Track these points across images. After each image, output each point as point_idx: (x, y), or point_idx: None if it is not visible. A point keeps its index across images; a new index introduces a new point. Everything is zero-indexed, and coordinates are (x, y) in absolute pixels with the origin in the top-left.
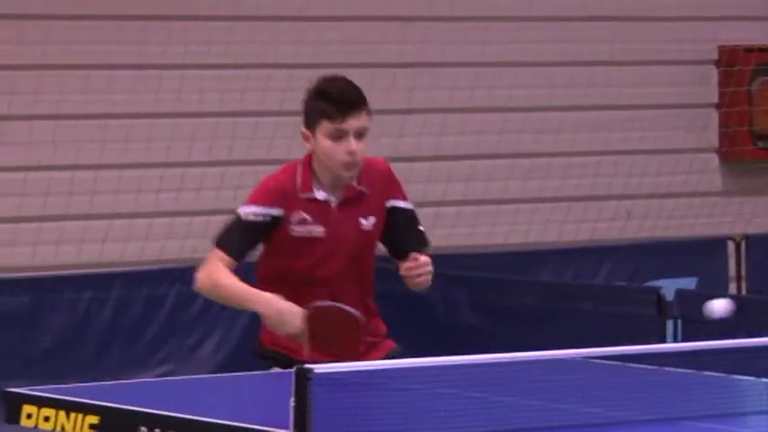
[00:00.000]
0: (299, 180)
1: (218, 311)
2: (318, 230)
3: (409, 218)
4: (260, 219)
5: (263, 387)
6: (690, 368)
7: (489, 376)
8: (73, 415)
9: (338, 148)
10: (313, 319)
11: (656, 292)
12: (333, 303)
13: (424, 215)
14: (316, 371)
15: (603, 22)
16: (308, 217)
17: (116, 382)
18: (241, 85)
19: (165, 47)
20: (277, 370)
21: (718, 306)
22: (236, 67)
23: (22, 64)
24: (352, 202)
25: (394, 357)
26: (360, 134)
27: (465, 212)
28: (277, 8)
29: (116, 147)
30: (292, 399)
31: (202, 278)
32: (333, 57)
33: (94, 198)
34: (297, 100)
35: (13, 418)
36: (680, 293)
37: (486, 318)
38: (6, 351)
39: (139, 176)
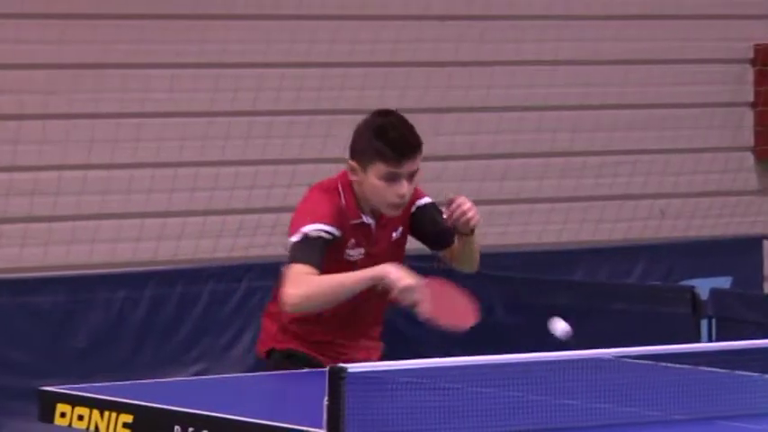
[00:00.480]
0: (344, 204)
1: (252, 310)
2: (360, 252)
3: (434, 208)
4: (326, 236)
5: (297, 386)
6: (724, 368)
7: (523, 376)
8: (107, 414)
9: (390, 190)
10: (434, 288)
11: (691, 291)
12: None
13: None
14: (349, 370)
15: (640, 20)
16: (355, 241)
17: (150, 380)
18: (276, 83)
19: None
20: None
21: (560, 327)
22: (272, 66)
23: (62, 63)
24: (386, 219)
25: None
26: (411, 176)
27: (499, 211)
28: (313, 7)
29: (150, 146)
30: (326, 398)
31: (295, 293)
32: (367, 56)
33: (129, 197)
34: (330, 98)
35: (47, 416)
36: (714, 293)
37: (519, 317)
38: (41, 350)
39: (173, 175)
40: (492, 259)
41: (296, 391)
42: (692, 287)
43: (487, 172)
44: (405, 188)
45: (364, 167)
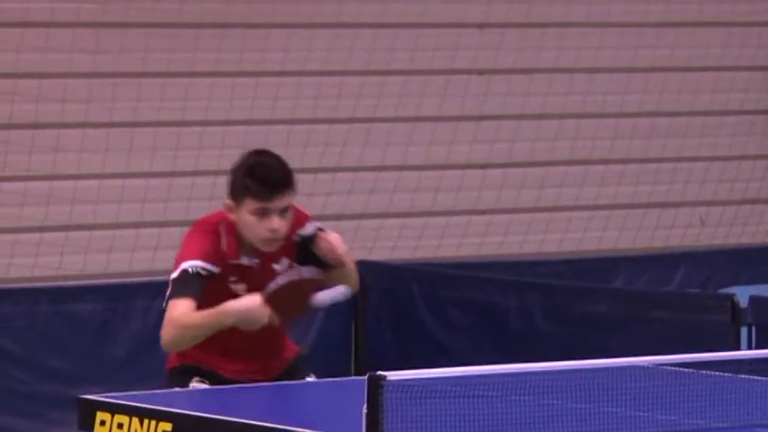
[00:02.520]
0: (224, 246)
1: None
2: (242, 287)
3: (316, 235)
4: (204, 273)
5: (336, 394)
6: (764, 375)
7: (562, 383)
8: (146, 422)
9: (261, 225)
10: (277, 303)
11: (731, 298)
12: (285, 282)
13: (496, 223)
14: (389, 378)
15: (678, 27)
16: (236, 278)
17: (188, 388)
18: (314, 92)
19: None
20: (198, 380)
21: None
22: (310, 74)
23: (101, 72)
24: (267, 256)
25: (299, 359)
26: (283, 212)
27: (537, 219)
28: (352, 16)
29: (190, 154)
30: (365, 406)
31: (171, 330)
32: (405, 64)
33: (168, 205)
34: (368, 107)
35: (87, 424)
36: (754, 300)
37: (558, 325)
38: (80, 358)
39: (212, 183)
40: (531, 267)
41: (335, 399)
42: (732, 295)
43: (526, 180)
44: (276, 223)
45: (238, 205)
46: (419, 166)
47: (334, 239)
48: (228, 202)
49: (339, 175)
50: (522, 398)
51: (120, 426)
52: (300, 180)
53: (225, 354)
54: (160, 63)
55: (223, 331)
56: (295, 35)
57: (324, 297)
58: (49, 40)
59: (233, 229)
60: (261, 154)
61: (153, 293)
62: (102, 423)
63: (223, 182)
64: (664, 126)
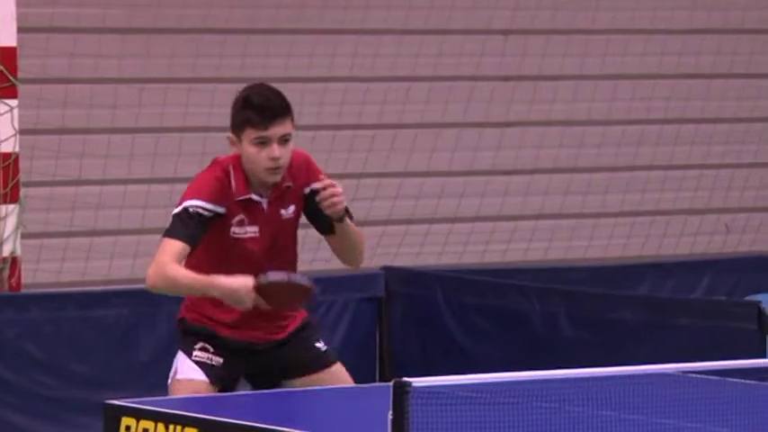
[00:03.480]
0: (233, 183)
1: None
2: (253, 230)
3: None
4: (206, 213)
5: (361, 400)
6: None
7: (588, 390)
8: (172, 427)
9: (262, 154)
10: (266, 293)
11: (757, 306)
12: (282, 278)
13: (522, 229)
14: (414, 384)
15: (704, 35)
16: (244, 218)
17: (214, 394)
18: (339, 98)
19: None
20: (200, 347)
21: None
22: (335, 80)
23: (127, 77)
24: (279, 198)
25: (309, 324)
26: (284, 140)
27: (562, 226)
28: (378, 22)
29: None
30: (390, 412)
31: (155, 275)
32: (430, 70)
33: None
34: (393, 113)
35: (112, 430)
36: None
37: (583, 332)
38: (105, 363)
39: None
40: (556, 273)
41: (360, 405)
42: (758, 302)
43: (551, 186)
44: (276, 151)
45: (239, 138)
46: (444, 172)
47: (336, 189)
48: (232, 136)
49: (364, 180)
50: (547, 405)
51: (145, 431)
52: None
53: (229, 308)
54: (186, 68)
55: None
56: (320, 41)
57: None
58: (76, 46)
59: (240, 166)
60: (257, 86)
61: (178, 299)
62: (128, 428)
63: None
64: (689, 133)
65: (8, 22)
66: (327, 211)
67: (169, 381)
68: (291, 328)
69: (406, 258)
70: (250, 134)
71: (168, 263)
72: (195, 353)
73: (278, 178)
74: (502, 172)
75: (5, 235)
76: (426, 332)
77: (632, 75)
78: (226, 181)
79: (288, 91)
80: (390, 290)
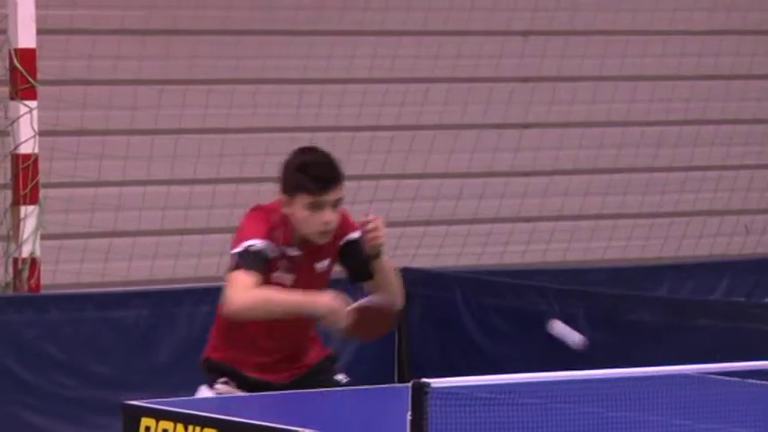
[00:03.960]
0: (279, 235)
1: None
2: (289, 278)
3: (360, 245)
4: (265, 254)
5: (379, 401)
6: None
7: (606, 391)
8: (191, 428)
9: (315, 218)
10: (359, 316)
11: None
12: (374, 304)
13: (540, 230)
14: (433, 385)
15: (723, 35)
16: (282, 267)
17: (234, 395)
18: (358, 99)
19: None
20: (223, 381)
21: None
22: (354, 82)
23: (146, 79)
24: (316, 252)
25: (330, 357)
26: (335, 204)
27: (582, 227)
28: (397, 24)
29: (234, 161)
30: (409, 413)
31: (241, 298)
32: (449, 71)
33: (212, 212)
34: (411, 114)
35: (132, 430)
36: None
37: (602, 333)
38: (124, 364)
39: (256, 190)
40: (575, 275)
41: (378, 406)
42: None
43: (570, 187)
44: (328, 216)
45: (292, 199)
46: (463, 173)
47: (376, 222)
48: (283, 197)
49: (382, 182)
50: (566, 406)
51: (164, 431)
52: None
53: (253, 344)
54: (205, 70)
55: (257, 322)
56: (339, 42)
57: (560, 330)
58: (95, 48)
59: (286, 220)
60: (310, 150)
61: (197, 300)
62: (147, 429)
63: (267, 189)
64: (709, 134)
65: (27, 23)
66: (369, 245)
67: None
68: (312, 363)
69: (425, 259)
70: (304, 198)
71: (251, 286)
72: (217, 385)
73: (328, 239)
74: (521, 173)
75: (25, 236)
76: (445, 333)
77: (652, 76)
78: (276, 230)
79: (306, 93)
80: (409, 291)
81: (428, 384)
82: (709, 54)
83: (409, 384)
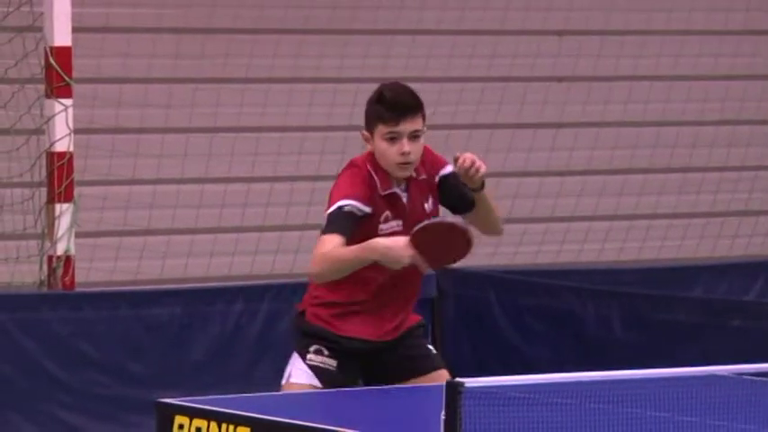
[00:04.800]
0: (377, 180)
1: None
2: (397, 224)
3: (456, 176)
4: (357, 212)
5: (413, 400)
6: None
7: (640, 392)
8: (224, 426)
9: (392, 150)
10: (423, 246)
11: None
12: (430, 222)
13: (575, 230)
14: (467, 385)
15: (759, 36)
16: (389, 213)
17: (268, 393)
18: None
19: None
20: (315, 350)
21: None
22: (387, 80)
23: (181, 77)
24: (418, 191)
25: (419, 327)
26: (414, 136)
27: (616, 227)
28: (431, 23)
29: (268, 159)
30: (443, 412)
31: (320, 262)
32: (483, 71)
33: (246, 211)
34: (446, 114)
35: (165, 428)
36: None
37: (637, 333)
38: (158, 362)
39: (290, 189)
40: (609, 275)
41: (412, 405)
42: None
43: (606, 187)
44: (406, 146)
45: (372, 134)
46: (497, 173)
47: (471, 156)
48: (366, 133)
49: None
50: (599, 406)
51: (198, 430)
52: None
53: (353, 305)
54: (240, 68)
55: (359, 281)
56: (374, 42)
57: None
58: (130, 46)
59: (378, 166)
60: (391, 83)
61: (230, 298)
62: (181, 427)
63: (300, 188)
64: (744, 134)
65: (63, 21)
66: (471, 180)
67: (283, 381)
68: (403, 329)
69: None
70: (381, 130)
71: (330, 250)
72: (309, 356)
73: (408, 173)
74: (555, 173)
75: (60, 234)
76: (478, 332)
77: (687, 76)
78: (370, 180)
79: (341, 92)
80: (443, 290)
81: (462, 384)
82: (746, 54)
83: (443, 384)
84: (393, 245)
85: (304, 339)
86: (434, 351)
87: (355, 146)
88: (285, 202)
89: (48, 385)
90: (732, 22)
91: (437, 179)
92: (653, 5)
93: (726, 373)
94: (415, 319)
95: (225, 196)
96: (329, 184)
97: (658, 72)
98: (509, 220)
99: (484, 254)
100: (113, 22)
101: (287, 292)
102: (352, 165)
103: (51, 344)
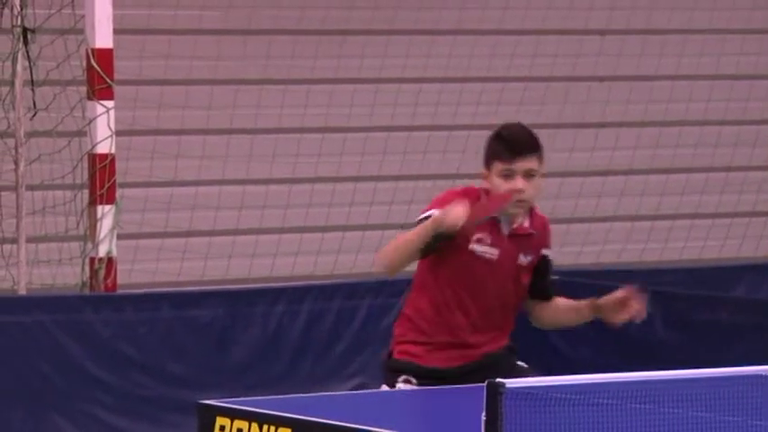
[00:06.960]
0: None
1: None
2: (492, 252)
3: (551, 266)
4: None
5: (453, 401)
6: None
7: (682, 392)
8: (266, 427)
9: (506, 186)
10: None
11: None
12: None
13: (616, 230)
14: (508, 385)
15: None
16: (485, 237)
17: (309, 394)
18: (434, 98)
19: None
20: (404, 380)
21: None
22: (430, 81)
23: (222, 79)
24: (520, 238)
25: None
26: (529, 175)
27: (658, 227)
28: (474, 23)
29: (309, 161)
30: (484, 413)
31: (382, 255)
32: (526, 70)
33: (287, 212)
34: (487, 114)
35: (207, 429)
36: None
37: (679, 333)
38: (199, 363)
39: (331, 190)
40: (651, 275)
41: (452, 406)
42: None
43: (647, 187)
44: (520, 183)
45: (489, 170)
46: None
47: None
48: (484, 171)
49: (458, 182)
50: (641, 406)
51: (239, 431)
52: (413, 187)
53: (439, 342)
54: (281, 70)
55: (444, 324)
56: (415, 42)
57: None
58: (171, 48)
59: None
60: (511, 123)
61: (272, 299)
62: (222, 428)
63: (341, 189)
64: None
65: (105, 23)
66: (611, 316)
67: None
68: (488, 350)
69: None
70: (497, 166)
71: (392, 241)
72: (398, 384)
73: (519, 211)
74: (597, 173)
75: (102, 235)
76: (519, 333)
77: (729, 75)
78: (473, 198)
79: (382, 92)
80: None
81: (503, 384)
82: None
83: (484, 384)
84: (448, 209)
85: (392, 375)
86: (525, 365)
87: (396, 144)
88: (326, 203)
89: (89, 386)
90: (760, 22)
91: (543, 251)
92: (695, 5)
93: None
94: (503, 341)
95: (266, 197)
96: (370, 185)
97: (700, 71)
98: (550, 221)
99: None
100: (154, 23)
101: (328, 293)
102: (465, 187)
103: (93, 345)
